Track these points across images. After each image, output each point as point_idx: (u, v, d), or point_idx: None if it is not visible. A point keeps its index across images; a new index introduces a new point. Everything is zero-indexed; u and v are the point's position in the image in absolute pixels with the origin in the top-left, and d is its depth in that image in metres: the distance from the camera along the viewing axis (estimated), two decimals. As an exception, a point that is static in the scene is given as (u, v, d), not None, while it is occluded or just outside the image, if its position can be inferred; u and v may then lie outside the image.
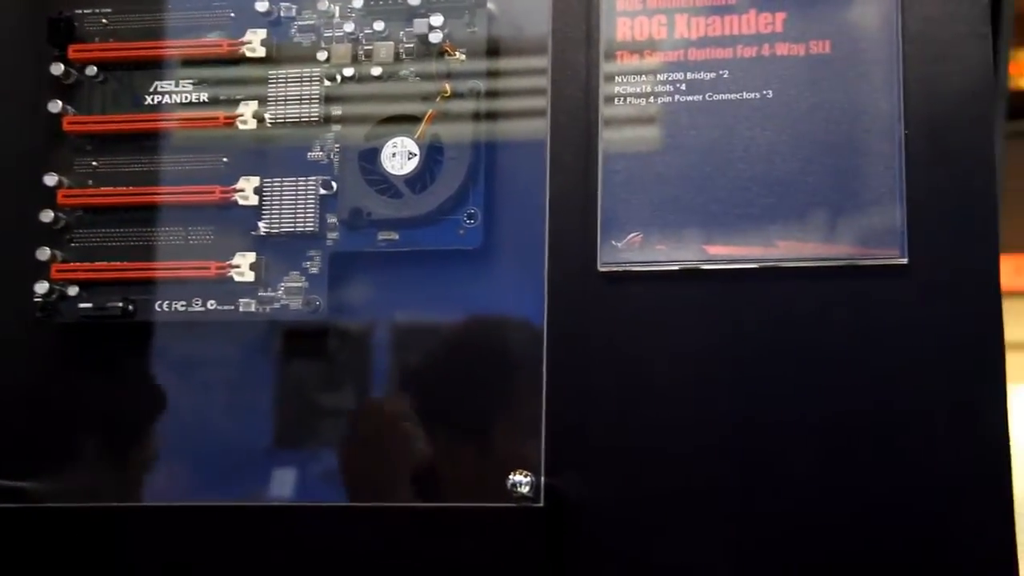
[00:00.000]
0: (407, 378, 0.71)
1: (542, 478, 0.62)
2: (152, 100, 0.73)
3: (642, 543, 0.62)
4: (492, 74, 0.70)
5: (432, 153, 0.69)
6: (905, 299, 0.61)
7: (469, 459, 0.69)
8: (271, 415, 0.71)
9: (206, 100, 0.72)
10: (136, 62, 0.73)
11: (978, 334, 0.60)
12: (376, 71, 0.70)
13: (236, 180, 0.70)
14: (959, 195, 0.61)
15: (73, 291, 0.71)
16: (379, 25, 0.71)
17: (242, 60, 0.72)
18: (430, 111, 0.69)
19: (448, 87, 0.69)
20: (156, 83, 0.73)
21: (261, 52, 0.71)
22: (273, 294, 0.70)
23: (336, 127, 0.70)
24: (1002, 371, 0.59)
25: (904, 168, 0.62)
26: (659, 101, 0.65)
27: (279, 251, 0.70)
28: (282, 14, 0.72)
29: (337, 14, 0.71)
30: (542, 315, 0.64)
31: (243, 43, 0.71)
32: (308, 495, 0.70)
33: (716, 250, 0.63)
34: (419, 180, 0.69)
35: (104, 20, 0.73)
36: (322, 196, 0.70)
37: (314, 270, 0.69)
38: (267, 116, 0.71)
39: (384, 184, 0.69)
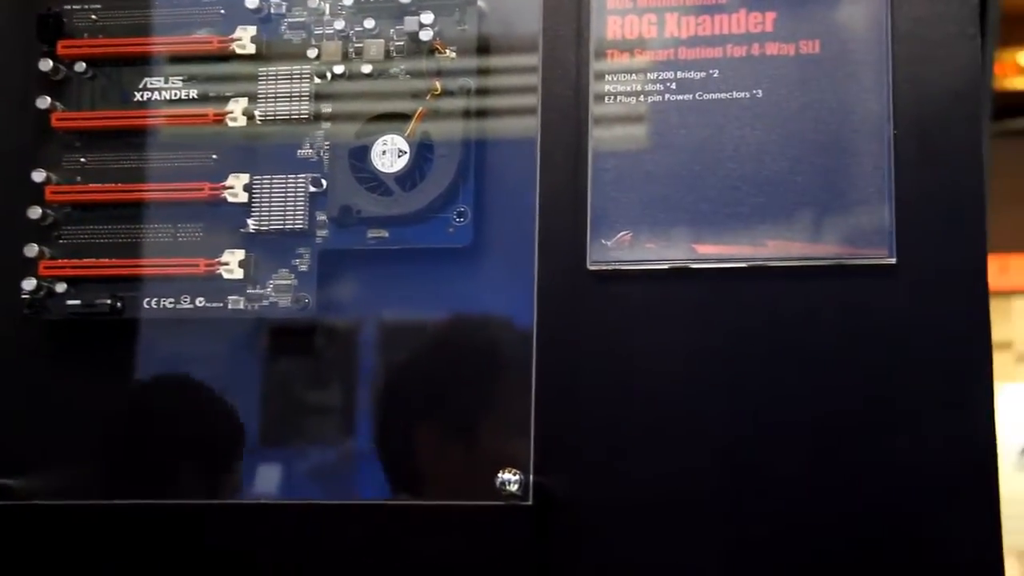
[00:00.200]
0: (396, 376, 0.71)
1: (531, 476, 0.62)
2: (141, 97, 0.72)
3: (630, 542, 0.62)
4: (482, 72, 0.70)
5: (422, 151, 0.69)
6: (893, 299, 0.61)
7: (458, 457, 0.69)
8: (259, 412, 0.71)
9: (195, 97, 0.72)
10: (125, 58, 0.73)
11: (966, 333, 0.60)
12: (366, 69, 0.70)
13: (225, 177, 0.70)
14: (947, 195, 0.61)
15: (61, 288, 0.70)
16: (369, 22, 0.70)
17: (232, 57, 0.71)
18: (420, 109, 0.69)
19: (438, 85, 0.69)
20: (145, 80, 0.72)
21: (251, 49, 0.71)
22: (262, 291, 0.69)
23: (326, 125, 0.70)
24: (989, 370, 0.60)
25: (893, 168, 0.62)
26: (649, 100, 0.65)
27: (268, 248, 0.70)
28: (272, 11, 0.72)
29: (327, 11, 0.71)
30: (531, 313, 0.64)
31: (233, 40, 0.71)
32: (294, 492, 0.70)
33: (705, 249, 0.63)
34: (409, 178, 0.69)
35: (93, 16, 0.73)
36: (312, 194, 0.70)
37: (303, 267, 0.69)
38: (257, 113, 0.71)
39: (374, 182, 0.69)
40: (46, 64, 0.72)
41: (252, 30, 0.71)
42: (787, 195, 0.63)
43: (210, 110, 0.71)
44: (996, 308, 0.62)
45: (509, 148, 0.69)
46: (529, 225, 0.65)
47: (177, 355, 0.72)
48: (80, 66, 0.73)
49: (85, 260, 0.71)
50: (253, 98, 0.71)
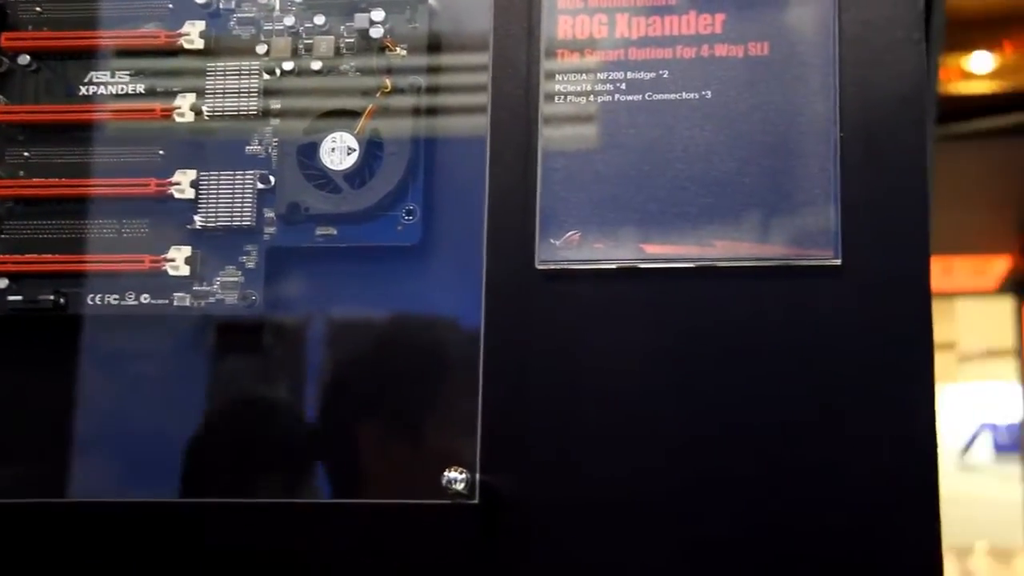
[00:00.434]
0: (343, 374, 0.71)
1: (477, 475, 0.62)
2: (87, 91, 0.72)
3: (577, 541, 0.62)
4: (433, 70, 0.69)
5: (371, 148, 0.69)
6: (838, 299, 0.62)
7: (404, 455, 0.69)
8: (204, 410, 0.70)
9: (143, 92, 0.71)
10: (71, 52, 0.72)
11: (909, 334, 0.61)
12: (316, 65, 0.70)
13: (172, 173, 0.70)
14: (892, 197, 0.62)
15: (3, 284, 0.69)
16: (319, 19, 0.70)
17: (180, 52, 0.71)
18: (370, 106, 0.69)
19: (388, 82, 0.69)
20: (91, 74, 0.72)
21: (199, 44, 0.70)
22: (208, 288, 0.69)
23: (275, 121, 0.70)
24: (931, 371, 0.60)
25: (839, 170, 0.62)
26: (599, 100, 0.65)
27: (215, 245, 0.69)
28: (221, 6, 0.71)
29: (277, 7, 0.71)
30: (480, 311, 0.64)
31: (181, 35, 0.71)
32: (240, 491, 0.69)
33: (653, 249, 0.63)
34: (358, 175, 0.69)
35: (38, 8, 0.72)
36: (260, 190, 0.69)
37: (250, 265, 0.69)
38: (205, 109, 0.70)
39: (322, 179, 0.69)
40: (-11, 56, 0.71)
41: (201, 25, 0.71)
42: (735, 196, 0.63)
43: (157, 105, 0.70)
44: (939, 309, 0.62)
45: (459, 146, 0.69)
46: (478, 224, 0.65)
47: (122, 352, 0.71)
48: (24, 59, 0.72)
49: (28, 256, 0.70)
50: (201, 93, 0.70)
